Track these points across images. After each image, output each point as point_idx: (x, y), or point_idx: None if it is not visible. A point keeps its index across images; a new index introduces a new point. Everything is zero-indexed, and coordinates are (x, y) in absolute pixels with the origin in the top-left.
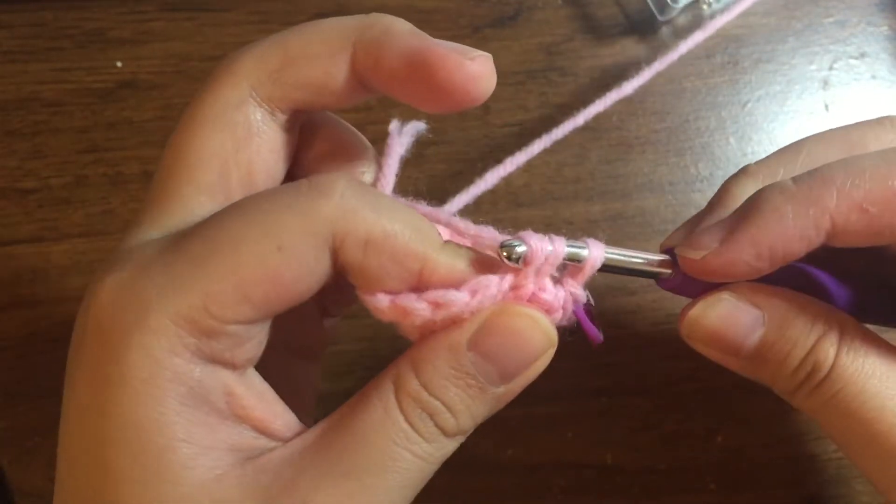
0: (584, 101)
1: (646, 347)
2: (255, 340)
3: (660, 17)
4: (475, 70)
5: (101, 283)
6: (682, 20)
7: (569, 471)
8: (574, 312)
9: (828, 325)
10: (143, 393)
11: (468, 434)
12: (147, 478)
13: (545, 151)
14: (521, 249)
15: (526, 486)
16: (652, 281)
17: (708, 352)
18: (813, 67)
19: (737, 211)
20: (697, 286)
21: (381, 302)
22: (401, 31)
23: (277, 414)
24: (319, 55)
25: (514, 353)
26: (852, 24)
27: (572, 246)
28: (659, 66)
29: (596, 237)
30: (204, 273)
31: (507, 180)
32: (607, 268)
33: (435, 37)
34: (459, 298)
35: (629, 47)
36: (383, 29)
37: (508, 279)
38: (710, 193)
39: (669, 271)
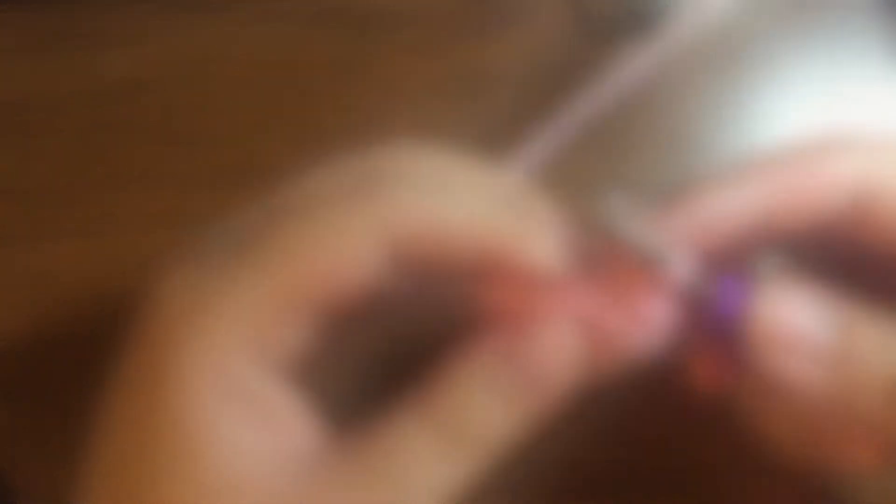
0: (585, 102)
1: None
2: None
3: (659, 18)
4: None
5: (166, 280)
6: (680, 20)
7: (569, 471)
8: None
9: None
10: (191, 387)
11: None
12: (186, 474)
13: None
14: None
15: (526, 486)
16: None
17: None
18: (814, 67)
19: None
20: None
21: None
22: None
23: (326, 434)
24: None
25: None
26: (853, 23)
27: None
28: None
29: None
30: (262, 272)
31: None
32: None
33: (435, 36)
34: None
35: (630, 48)
36: None
37: None
38: None
39: None
